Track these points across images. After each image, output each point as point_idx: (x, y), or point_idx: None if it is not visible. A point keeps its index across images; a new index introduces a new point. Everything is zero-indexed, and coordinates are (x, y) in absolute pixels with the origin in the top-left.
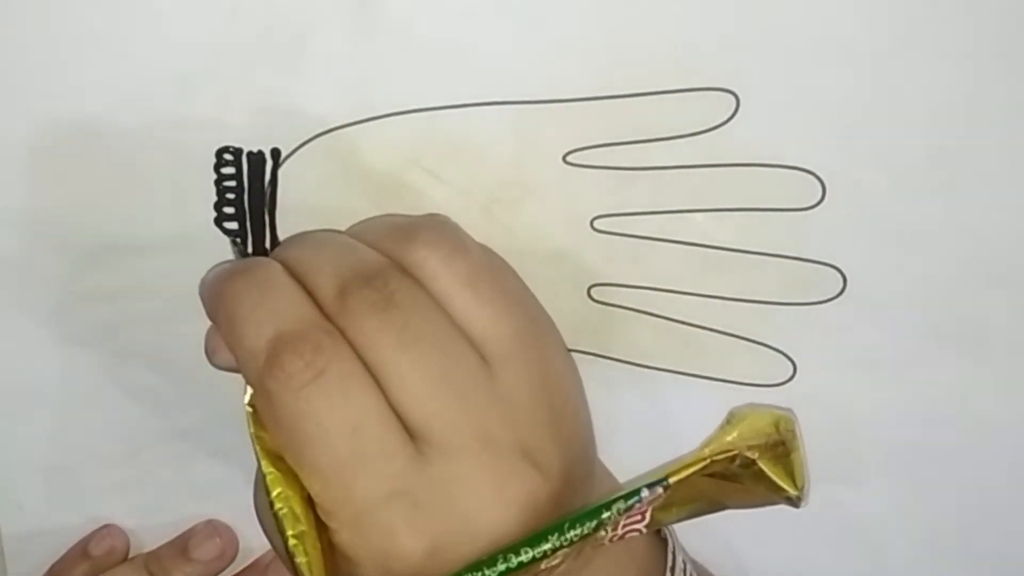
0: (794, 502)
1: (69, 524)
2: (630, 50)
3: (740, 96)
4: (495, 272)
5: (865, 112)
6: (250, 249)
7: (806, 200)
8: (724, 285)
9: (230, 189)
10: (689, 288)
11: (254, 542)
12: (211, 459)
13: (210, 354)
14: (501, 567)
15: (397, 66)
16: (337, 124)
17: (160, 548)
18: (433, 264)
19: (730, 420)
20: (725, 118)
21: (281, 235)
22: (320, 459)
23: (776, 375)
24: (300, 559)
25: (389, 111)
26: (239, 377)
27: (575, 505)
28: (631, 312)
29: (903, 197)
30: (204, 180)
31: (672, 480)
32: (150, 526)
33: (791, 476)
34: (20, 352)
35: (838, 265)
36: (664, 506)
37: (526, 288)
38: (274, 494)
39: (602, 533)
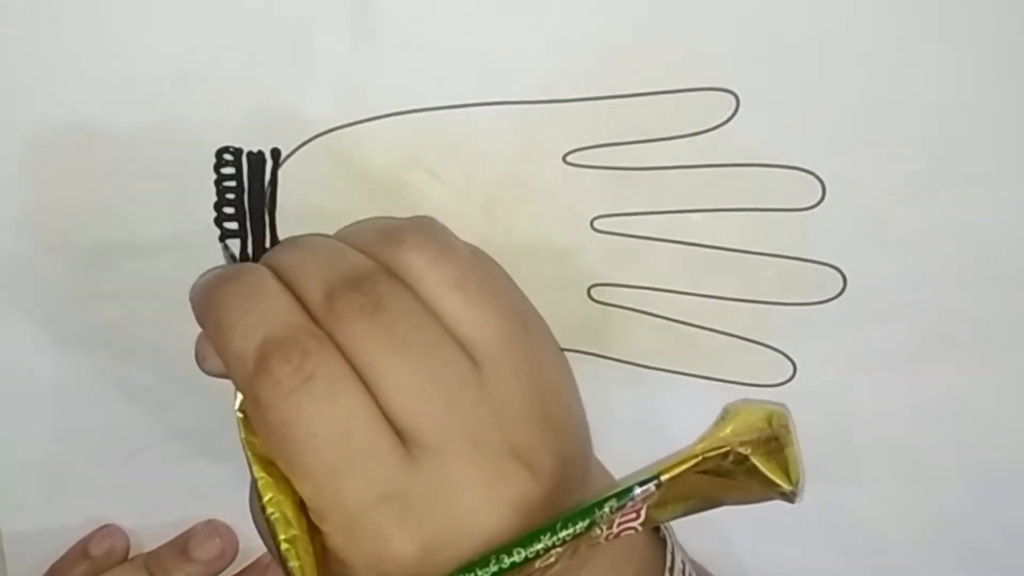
0: (789, 497)
1: (69, 524)
2: (630, 50)
3: (740, 96)
4: (483, 273)
5: (865, 112)
6: (250, 249)
7: (806, 200)
8: (724, 285)
9: (230, 189)
10: (689, 288)
11: (254, 542)
12: (211, 459)
13: (200, 360)
14: (493, 568)
15: (397, 66)
16: (337, 124)
17: (160, 548)
18: (420, 266)
19: (724, 416)
20: (725, 118)
21: (281, 235)
22: (310, 463)
23: (776, 375)
24: (292, 563)
25: (389, 111)
26: None
27: (569, 505)
28: (631, 312)
29: (903, 197)
30: (204, 180)
31: (664, 477)
32: (150, 526)
33: (785, 471)
34: (20, 352)
35: (838, 265)
36: (659, 503)
37: (516, 288)
38: (266, 499)
39: (597, 532)
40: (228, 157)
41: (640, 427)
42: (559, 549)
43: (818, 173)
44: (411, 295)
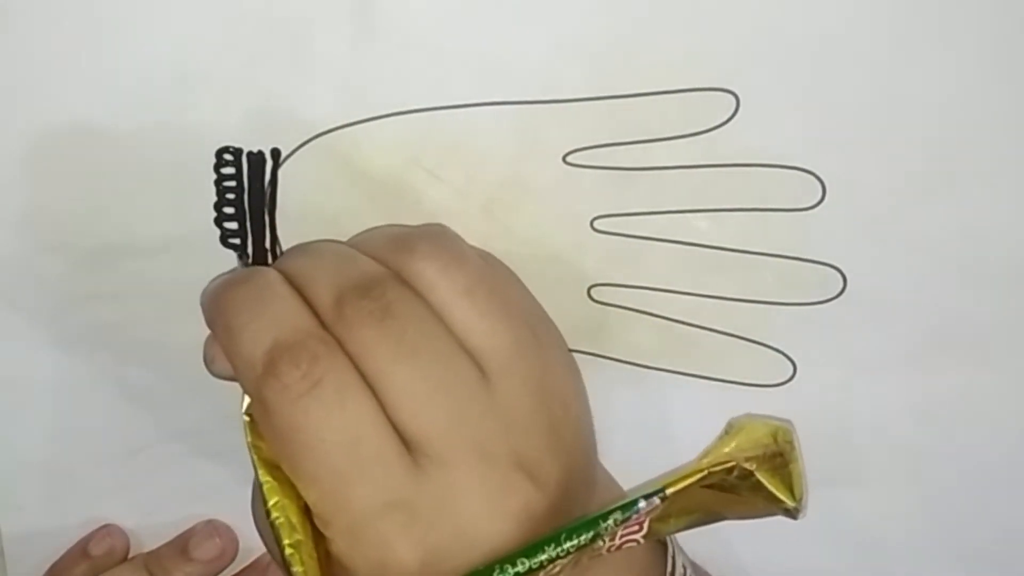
0: (792, 514)
1: (69, 524)
2: (630, 50)
3: (740, 96)
4: (494, 282)
5: (865, 112)
6: (250, 249)
7: (806, 200)
8: (724, 285)
9: (230, 189)
10: (689, 288)
11: (254, 542)
12: (211, 459)
13: (208, 363)
14: None
15: (397, 66)
16: (337, 124)
17: (160, 548)
18: (431, 274)
19: (728, 431)
20: (725, 118)
21: (281, 235)
22: (316, 469)
23: (776, 375)
24: (296, 568)
25: (389, 111)
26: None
27: (574, 515)
28: (631, 312)
29: (903, 197)
30: (204, 180)
31: (669, 491)
32: (150, 526)
33: (789, 487)
34: (20, 352)
35: (838, 265)
36: (662, 517)
37: (529, 297)
38: (271, 503)
39: (600, 543)
40: (228, 157)
41: (640, 427)
42: (563, 560)
43: (818, 173)
44: (421, 303)
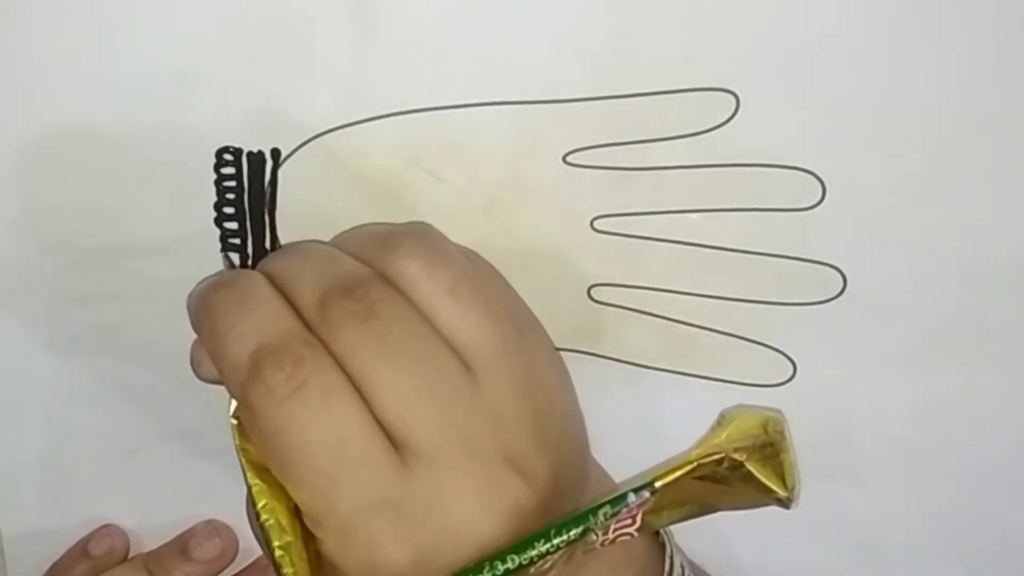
0: (784, 503)
1: (69, 524)
2: (630, 50)
3: (740, 96)
4: (478, 279)
5: (865, 112)
6: (250, 249)
7: (806, 200)
8: (724, 285)
9: (230, 189)
10: (689, 288)
11: (254, 542)
12: (211, 459)
13: (195, 367)
14: (487, 574)
15: (397, 66)
16: (337, 124)
17: (160, 548)
18: (414, 273)
19: (719, 422)
20: (725, 118)
21: (282, 235)
22: (304, 471)
23: (776, 375)
24: (287, 569)
25: (389, 111)
26: None
27: (565, 511)
28: (631, 312)
29: (903, 197)
30: (204, 180)
31: (658, 484)
32: (150, 526)
33: (780, 477)
34: (20, 352)
35: (838, 265)
36: (654, 509)
37: (512, 293)
38: (260, 506)
39: (592, 538)
40: (228, 157)
41: (640, 427)
42: (554, 555)
43: (818, 173)
44: (405, 302)
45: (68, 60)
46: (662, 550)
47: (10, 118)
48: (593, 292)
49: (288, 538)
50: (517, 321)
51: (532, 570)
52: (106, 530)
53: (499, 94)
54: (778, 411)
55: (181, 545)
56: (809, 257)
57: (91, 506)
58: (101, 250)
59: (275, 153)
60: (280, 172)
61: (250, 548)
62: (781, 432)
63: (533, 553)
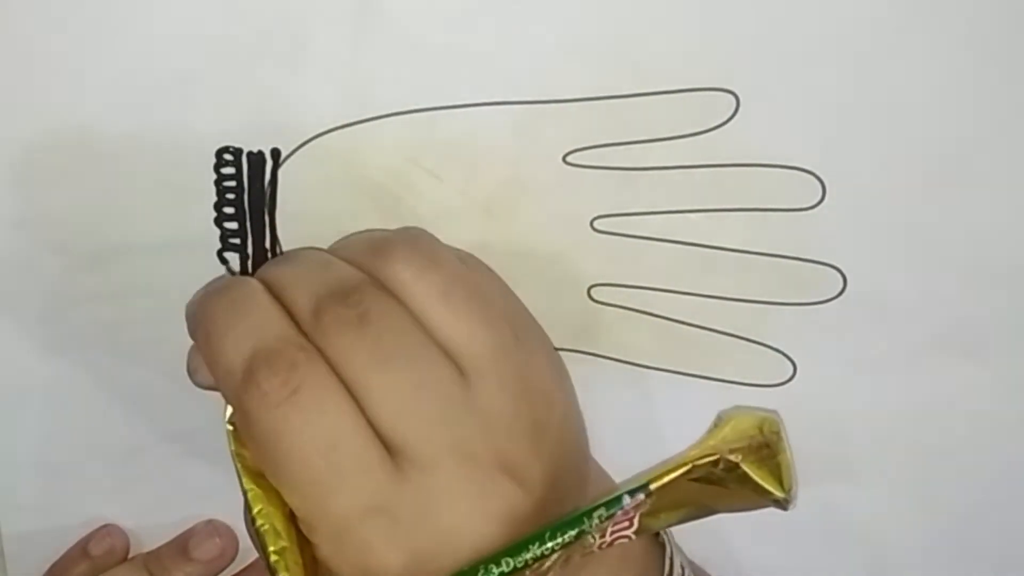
0: (782, 505)
1: (69, 524)
2: (630, 50)
3: (740, 96)
4: (472, 284)
5: (865, 112)
6: (250, 249)
7: (806, 200)
8: (724, 285)
9: (230, 189)
10: (689, 288)
11: None
12: (211, 459)
13: (191, 373)
14: None
15: (397, 66)
16: (337, 124)
17: (160, 548)
18: (407, 278)
19: (716, 423)
20: (725, 118)
21: (281, 235)
22: (298, 476)
23: (776, 375)
24: (282, 574)
25: (389, 111)
26: None
27: (563, 514)
28: (631, 312)
29: (903, 197)
30: (204, 180)
31: (653, 486)
32: (150, 526)
33: (777, 478)
34: (20, 352)
35: (838, 265)
36: (651, 512)
37: (509, 297)
38: (255, 511)
39: (589, 540)
40: (228, 157)
41: (640, 427)
42: (550, 558)
43: (818, 173)
44: (399, 307)
45: (68, 60)
46: (662, 550)
47: (10, 118)
48: (593, 292)
49: (283, 543)
50: (514, 325)
51: (528, 573)
52: (106, 530)
53: (499, 94)
54: (774, 412)
55: (181, 545)
56: (809, 257)
57: (91, 506)
58: (101, 250)
59: (275, 153)
60: (280, 172)
61: (250, 548)
62: (777, 433)
63: (528, 556)
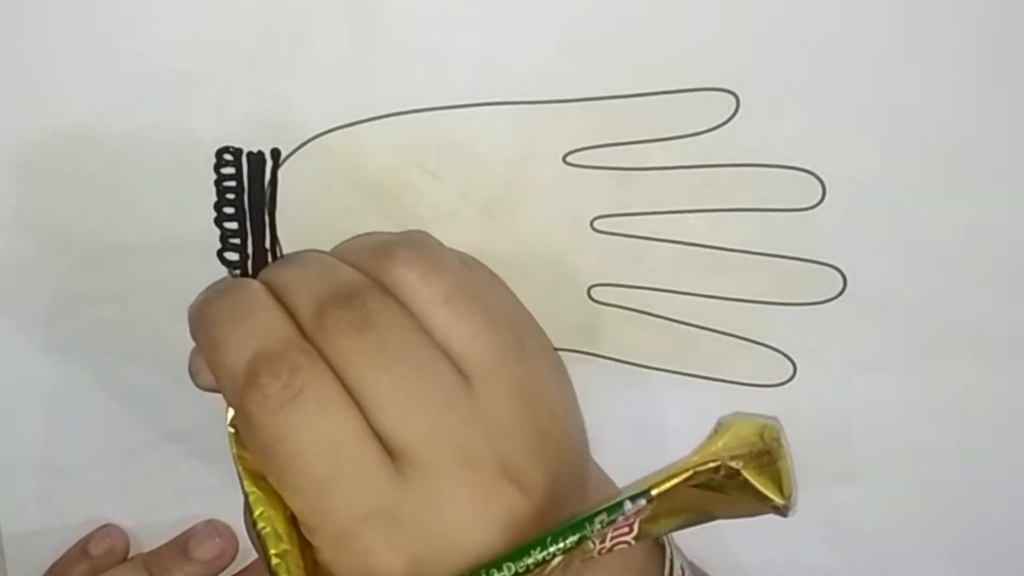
0: (781, 511)
1: (69, 524)
2: (630, 50)
3: (740, 96)
4: (475, 287)
5: (865, 112)
6: (250, 248)
7: (806, 200)
8: (724, 285)
9: (230, 189)
10: (689, 288)
11: None
12: (211, 459)
13: (193, 375)
14: None
15: (397, 66)
16: (337, 124)
17: (160, 548)
18: (411, 282)
19: (717, 430)
20: (725, 118)
21: (281, 235)
22: (299, 479)
23: (776, 375)
24: None
25: (389, 111)
26: None
27: (564, 519)
28: (631, 312)
29: (903, 197)
30: (204, 180)
31: (655, 492)
32: (150, 526)
33: (777, 485)
34: (20, 352)
35: (838, 265)
36: (652, 517)
37: (513, 301)
38: (256, 513)
39: (590, 546)
40: (228, 157)
41: (640, 427)
42: (550, 563)
43: (818, 173)
44: (401, 311)
45: (68, 60)
46: (662, 552)
47: (10, 118)
48: (593, 292)
49: (284, 546)
50: (516, 329)
51: None
52: (106, 530)
53: (499, 94)
54: (775, 419)
55: (181, 545)
56: (809, 257)
57: (91, 506)
58: (101, 250)
59: (275, 153)
60: (280, 172)
61: (250, 548)
62: (778, 440)
63: (529, 561)
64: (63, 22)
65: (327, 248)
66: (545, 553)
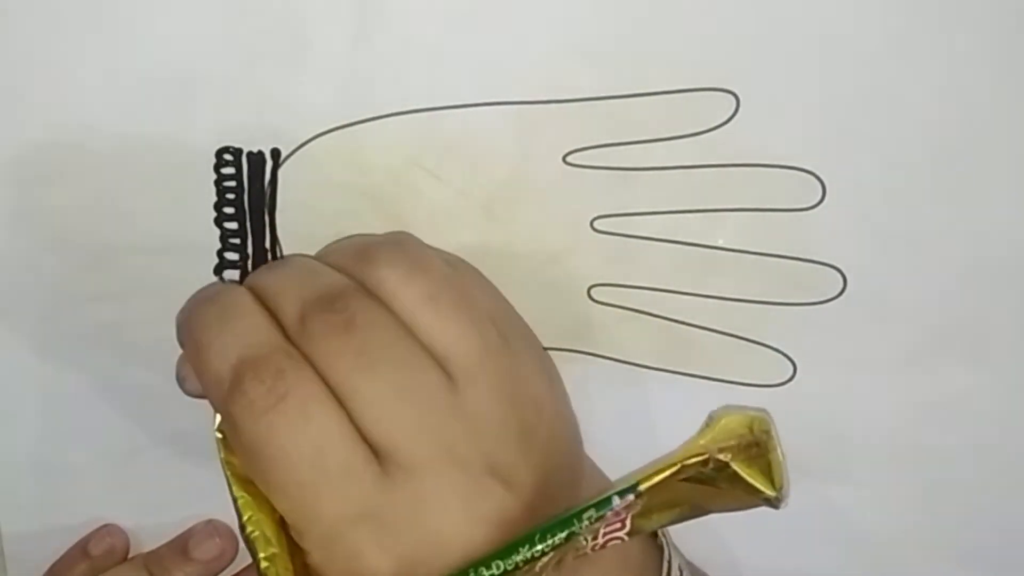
0: (773, 503)
1: (69, 524)
2: (630, 50)
3: (740, 96)
4: (459, 287)
5: (865, 112)
6: (250, 248)
7: (806, 200)
8: (724, 285)
9: (230, 189)
10: (689, 288)
11: None
12: (211, 459)
13: (181, 381)
14: None
15: (397, 66)
16: (337, 124)
17: (160, 548)
18: (393, 283)
19: (707, 423)
20: (725, 118)
21: (281, 235)
22: (286, 482)
23: (776, 375)
24: None
25: (389, 111)
26: None
27: (554, 515)
28: (631, 312)
29: (903, 197)
30: (204, 180)
31: (643, 487)
32: (150, 526)
33: (768, 477)
34: (20, 352)
35: (838, 265)
36: (643, 513)
37: (499, 300)
38: (245, 518)
39: (582, 542)
40: (228, 157)
41: (639, 427)
42: (540, 560)
43: (818, 173)
44: (385, 312)
45: (68, 60)
46: (660, 552)
47: (10, 118)
48: (593, 292)
49: (273, 549)
50: (501, 327)
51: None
52: (106, 530)
53: (499, 94)
54: (764, 411)
55: (181, 545)
56: (809, 257)
57: (91, 506)
58: (101, 250)
59: (275, 153)
60: (280, 172)
61: None
62: (767, 432)
63: (519, 558)
64: (63, 22)
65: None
66: (534, 550)
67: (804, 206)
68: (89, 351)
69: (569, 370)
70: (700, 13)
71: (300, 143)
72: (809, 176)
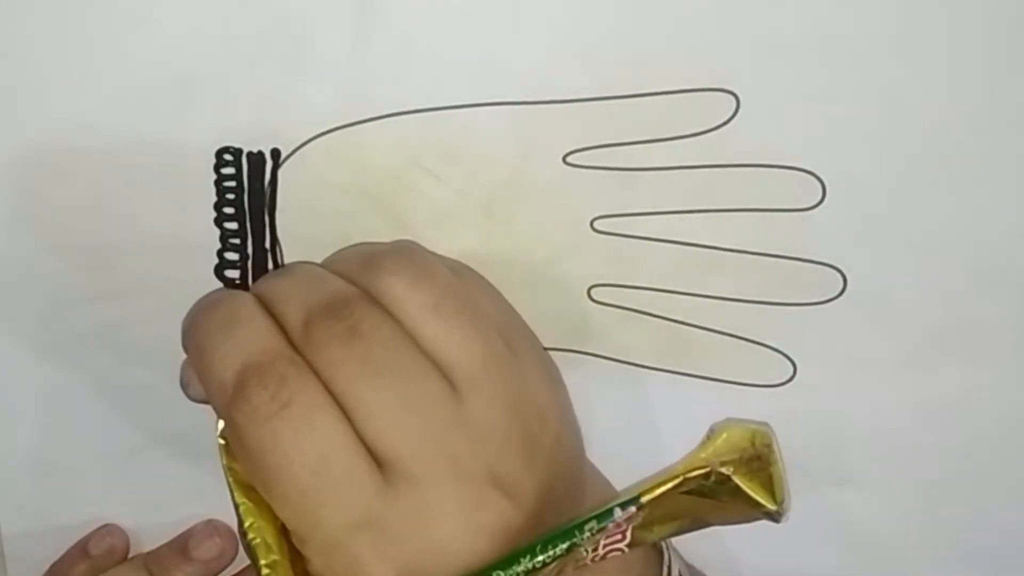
0: (774, 517)
1: (69, 524)
2: (630, 50)
3: (740, 96)
4: (464, 296)
5: (865, 112)
6: (250, 249)
7: (806, 200)
8: (724, 285)
9: (230, 189)
10: (689, 288)
11: None
12: (211, 459)
13: (184, 387)
14: None
15: (397, 66)
16: (337, 124)
17: (160, 548)
18: (398, 291)
19: (709, 436)
20: (725, 118)
21: (281, 235)
22: (288, 490)
23: (776, 375)
24: None
25: (389, 111)
26: None
27: (557, 525)
28: (631, 312)
29: (903, 197)
30: (204, 181)
31: (645, 499)
32: (150, 526)
33: (769, 490)
34: (20, 352)
35: (838, 265)
36: (644, 524)
37: (505, 308)
38: (247, 524)
39: (582, 553)
40: (228, 157)
41: (639, 428)
42: (541, 571)
43: (818, 173)
44: (389, 320)
45: (68, 60)
46: (660, 557)
47: (10, 118)
48: (593, 292)
49: (275, 556)
50: (507, 336)
51: None
52: (106, 530)
53: (499, 94)
54: (766, 424)
55: (181, 545)
56: (809, 257)
57: (91, 506)
58: (101, 250)
59: (275, 153)
60: (280, 172)
61: None
62: (769, 445)
63: (519, 569)
64: (63, 22)
65: (326, 249)
66: (535, 561)
67: (804, 206)
68: (89, 351)
69: (569, 370)
70: (700, 13)
71: (300, 143)
72: (809, 176)
